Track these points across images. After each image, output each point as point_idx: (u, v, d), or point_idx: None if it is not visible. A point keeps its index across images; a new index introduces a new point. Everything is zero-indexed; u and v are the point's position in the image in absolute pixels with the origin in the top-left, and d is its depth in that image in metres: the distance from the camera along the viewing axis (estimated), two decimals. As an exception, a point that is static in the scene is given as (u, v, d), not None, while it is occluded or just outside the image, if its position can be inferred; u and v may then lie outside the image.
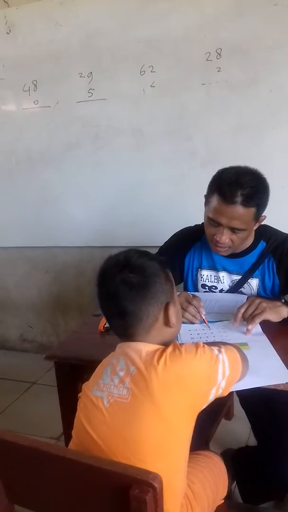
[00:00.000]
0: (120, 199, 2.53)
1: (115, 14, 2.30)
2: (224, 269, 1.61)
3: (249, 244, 1.55)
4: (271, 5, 2.04)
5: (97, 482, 0.83)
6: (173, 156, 2.36)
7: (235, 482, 1.57)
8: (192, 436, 0.98)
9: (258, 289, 1.57)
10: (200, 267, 1.65)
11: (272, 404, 1.34)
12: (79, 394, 1.03)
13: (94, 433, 0.94)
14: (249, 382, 1.06)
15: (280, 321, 1.33)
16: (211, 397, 0.96)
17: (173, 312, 0.99)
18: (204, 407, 0.96)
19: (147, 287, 0.95)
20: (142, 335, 0.98)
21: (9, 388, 2.66)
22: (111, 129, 2.45)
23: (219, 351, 0.97)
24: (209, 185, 1.45)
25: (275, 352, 1.20)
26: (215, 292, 1.64)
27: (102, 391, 0.96)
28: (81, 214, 2.65)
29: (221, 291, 1.63)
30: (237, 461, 1.56)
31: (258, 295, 1.57)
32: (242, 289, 1.59)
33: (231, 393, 1.32)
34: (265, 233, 1.57)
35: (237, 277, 1.59)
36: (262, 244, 1.55)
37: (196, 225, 1.68)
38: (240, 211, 1.36)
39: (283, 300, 1.38)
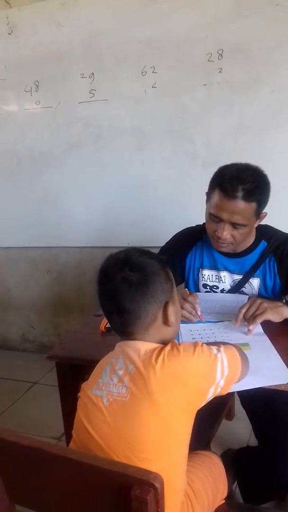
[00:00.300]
0: (121, 199, 2.53)
1: (116, 15, 2.30)
2: (226, 269, 1.61)
3: (250, 244, 1.55)
4: (272, 6, 2.04)
5: (98, 482, 0.83)
6: (174, 156, 2.37)
7: (236, 482, 1.57)
8: (193, 436, 0.98)
9: (259, 288, 1.57)
10: (202, 266, 1.65)
11: (273, 404, 1.34)
12: (79, 394, 1.03)
13: (94, 432, 0.94)
14: (250, 383, 1.06)
15: (281, 322, 1.33)
16: (210, 396, 0.96)
17: (172, 311, 0.99)
18: (202, 405, 0.96)
19: (146, 286, 0.95)
20: (141, 333, 0.98)
21: (10, 388, 2.67)
22: (112, 129, 2.46)
23: (218, 350, 0.97)
24: (210, 182, 1.46)
25: (276, 352, 1.20)
26: (216, 291, 1.64)
27: (102, 390, 0.96)
28: (83, 214, 2.65)
29: (222, 291, 1.63)
30: (238, 461, 1.56)
31: (260, 294, 1.57)
32: (243, 289, 1.59)
33: (232, 393, 1.32)
34: (266, 232, 1.57)
35: (238, 277, 1.59)
36: (263, 244, 1.56)
37: (197, 225, 1.68)
38: (241, 206, 1.37)
39: (284, 301, 1.38)
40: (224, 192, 1.37)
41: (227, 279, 1.62)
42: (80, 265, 2.82)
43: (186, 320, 1.40)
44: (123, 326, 0.99)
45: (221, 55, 2.16)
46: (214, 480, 1.16)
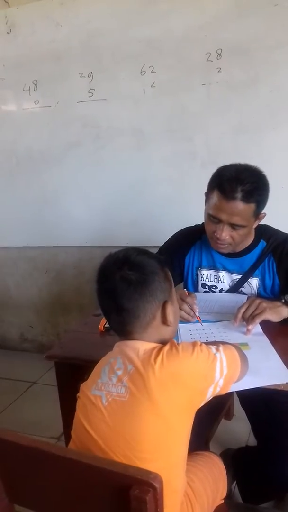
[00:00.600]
0: (120, 199, 2.53)
1: (115, 14, 2.30)
2: (224, 269, 1.61)
3: (249, 243, 1.55)
4: (271, 6, 2.04)
5: (97, 482, 0.83)
6: (173, 156, 2.36)
7: (235, 482, 1.57)
8: (192, 435, 0.98)
9: (258, 288, 1.57)
10: (200, 266, 1.65)
11: (272, 404, 1.34)
12: (78, 394, 1.03)
13: (94, 432, 0.94)
14: (250, 382, 1.06)
15: (280, 321, 1.33)
16: (209, 395, 0.96)
17: (170, 310, 0.99)
18: (202, 404, 0.96)
19: (145, 285, 0.95)
20: (139, 332, 0.98)
21: (9, 387, 2.67)
22: (111, 129, 2.45)
23: (217, 349, 0.98)
24: (209, 182, 1.46)
25: (275, 352, 1.20)
26: (215, 291, 1.64)
27: (101, 390, 0.96)
28: (82, 214, 2.65)
29: (221, 290, 1.63)
30: (237, 461, 1.56)
31: (259, 294, 1.57)
32: (242, 289, 1.59)
33: (231, 393, 1.32)
34: (265, 232, 1.57)
35: (237, 277, 1.59)
36: (262, 244, 1.56)
37: (196, 225, 1.68)
38: (240, 207, 1.37)
39: (283, 300, 1.38)
40: (223, 193, 1.37)
41: (226, 279, 1.62)
42: (79, 265, 2.82)
43: (184, 321, 1.40)
44: (122, 325, 0.99)
45: (220, 55, 2.16)
46: (214, 480, 1.16)
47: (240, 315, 1.34)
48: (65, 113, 2.53)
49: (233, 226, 1.41)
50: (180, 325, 1.39)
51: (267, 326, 1.33)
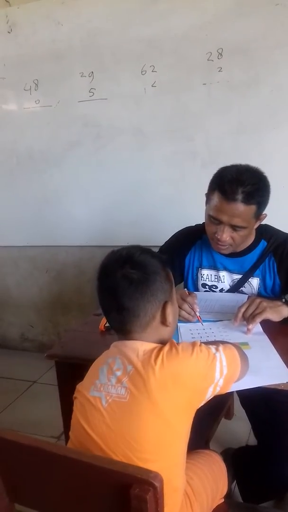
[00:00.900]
0: (120, 198, 2.53)
1: (116, 14, 2.30)
2: (225, 268, 1.61)
3: (250, 243, 1.55)
4: (272, 5, 2.04)
5: (98, 481, 0.83)
6: (174, 156, 2.36)
7: (235, 482, 1.57)
8: (192, 434, 0.98)
9: (259, 288, 1.58)
10: (201, 266, 1.65)
11: (273, 403, 1.34)
12: (74, 395, 1.02)
13: (94, 433, 0.94)
14: (250, 382, 1.06)
15: (280, 321, 1.33)
16: (209, 395, 0.96)
17: (170, 311, 0.99)
18: (202, 404, 0.96)
19: (147, 284, 0.95)
20: (138, 332, 0.97)
21: (9, 387, 2.67)
22: (112, 128, 2.45)
23: (217, 349, 0.97)
24: (210, 183, 1.46)
25: (276, 351, 1.20)
26: (215, 291, 1.64)
27: (100, 391, 0.95)
28: (82, 213, 2.65)
29: (221, 290, 1.63)
30: (237, 461, 1.57)
31: (259, 294, 1.57)
32: (243, 288, 1.59)
33: (231, 393, 1.32)
34: (266, 232, 1.57)
35: (237, 276, 1.59)
36: (263, 243, 1.56)
37: (196, 224, 1.68)
38: (241, 208, 1.37)
39: (283, 300, 1.38)
40: (224, 195, 1.37)
41: (226, 279, 1.62)
42: (79, 264, 2.82)
43: (184, 321, 1.40)
44: (121, 324, 0.98)
45: (221, 55, 2.16)
46: (214, 478, 1.16)
47: (240, 315, 1.34)
48: (65, 112, 2.53)
49: (234, 228, 1.41)
50: (180, 324, 1.39)
51: (267, 326, 1.33)
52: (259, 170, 1.42)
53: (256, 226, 1.49)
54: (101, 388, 0.95)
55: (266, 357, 1.18)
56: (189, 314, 1.39)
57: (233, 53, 2.14)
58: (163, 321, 0.99)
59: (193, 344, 0.95)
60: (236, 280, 1.60)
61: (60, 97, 2.52)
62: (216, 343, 1.02)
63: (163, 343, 0.97)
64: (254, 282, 1.57)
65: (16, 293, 3.09)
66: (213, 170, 1.47)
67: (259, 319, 1.30)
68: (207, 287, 1.65)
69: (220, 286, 1.63)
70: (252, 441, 1.68)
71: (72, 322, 2.92)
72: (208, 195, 1.45)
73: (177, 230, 1.73)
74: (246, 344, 1.24)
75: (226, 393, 1.00)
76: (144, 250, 1.00)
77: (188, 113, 2.29)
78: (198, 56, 2.20)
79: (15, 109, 2.66)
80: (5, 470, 0.95)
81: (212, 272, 1.64)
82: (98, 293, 1.01)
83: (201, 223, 1.60)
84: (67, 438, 1.24)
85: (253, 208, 1.38)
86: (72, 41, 2.42)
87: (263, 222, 1.52)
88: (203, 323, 1.39)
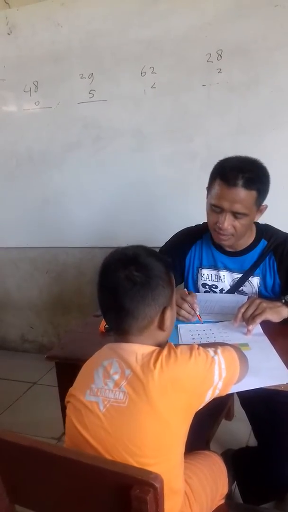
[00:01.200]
0: (120, 199, 2.53)
1: (115, 15, 2.30)
2: (225, 268, 1.61)
3: (251, 242, 1.56)
4: (271, 6, 2.04)
5: (98, 482, 0.83)
6: (174, 157, 2.37)
7: (235, 483, 1.57)
8: (193, 436, 0.98)
9: (259, 287, 1.58)
10: (201, 266, 1.65)
11: (273, 404, 1.34)
12: (67, 399, 1.01)
13: (91, 438, 0.92)
14: (250, 383, 1.06)
15: (280, 322, 1.33)
16: (207, 398, 0.95)
17: (169, 316, 0.98)
18: (201, 407, 0.96)
19: (149, 288, 0.94)
20: (135, 334, 0.96)
21: (9, 388, 2.67)
22: (112, 130, 2.46)
23: (215, 352, 0.97)
24: (210, 175, 1.47)
25: (276, 352, 1.20)
26: (215, 291, 1.64)
27: (97, 395, 0.94)
28: (82, 215, 2.66)
29: (221, 290, 1.64)
30: (238, 462, 1.56)
31: (259, 293, 1.57)
32: (243, 288, 1.59)
33: (231, 394, 1.32)
34: (267, 232, 1.58)
35: (238, 275, 1.59)
36: (263, 243, 1.56)
37: (196, 225, 1.69)
38: (241, 194, 1.38)
39: (283, 301, 1.38)
40: (225, 181, 1.39)
41: (226, 278, 1.62)
42: (79, 265, 2.82)
43: (184, 320, 1.40)
44: (118, 324, 0.97)
45: (221, 56, 2.16)
46: (213, 478, 1.16)
47: (240, 315, 1.34)
48: (65, 114, 2.53)
49: (235, 215, 1.42)
50: (180, 325, 1.39)
51: (267, 327, 1.33)
52: (259, 160, 1.45)
53: (257, 218, 1.49)
54: (98, 392, 0.94)
55: (266, 358, 1.18)
56: (189, 313, 1.39)
57: (233, 54, 2.14)
58: (160, 326, 0.98)
59: (191, 348, 0.95)
60: (237, 279, 1.60)
61: (60, 99, 2.52)
62: (215, 345, 1.02)
63: (159, 345, 0.97)
64: (255, 281, 1.58)
65: (16, 294, 3.09)
66: (213, 171, 1.48)
67: (259, 320, 1.30)
68: (207, 287, 1.65)
69: (220, 286, 1.63)
70: (253, 442, 1.68)
71: (72, 323, 2.92)
72: (209, 186, 1.47)
73: (177, 231, 1.73)
74: (246, 345, 1.24)
75: (226, 394, 1.00)
76: (151, 252, 0.99)
77: (187, 114, 2.29)
78: (197, 57, 2.20)
79: (15, 111, 2.67)
80: (5, 471, 0.95)
81: (213, 272, 1.64)
82: (98, 290, 0.99)
83: (201, 223, 1.60)
84: (67, 439, 1.24)
85: (253, 194, 1.40)
86: (72, 43, 2.42)
87: (264, 222, 1.53)
88: (203, 324, 1.39)
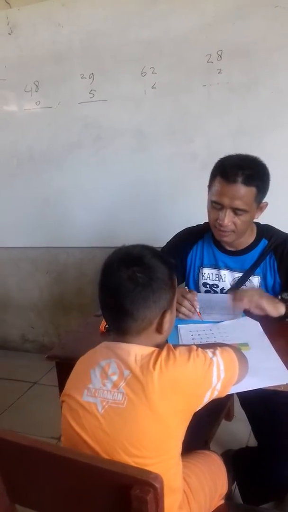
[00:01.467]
0: (121, 199, 2.53)
1: (116, 16, 2.30)
2: (226, 267, 1.62)
3: (251, 242, 1.57)
4: (272, 7, 2.04)
5: (98, 482, 0.83)
6: (174, 157, 2.37)
7: (235, 483, 1.57)
8: (193, 436, 0.98)
9: (259, 286, 1.58)
10: (202, 265, 1.66)
11: (272, 405, 1.34)
12: (62, 399, 1.00)
13: (90, 439, 0.92)
14: (250, 383, 1.06)
15: (279, 321, 1.34)
16: (206, 400, 0.95)
17: (168, 319, 0.98)
18: (199, 408, 0.96)
19: (151, 290, 0.93)
20: (133, 335, 0.96)
21: (10, 388, 2.67)
22: (112, 130, 2.46)
23: (214, 353, 0.97)
24: (211, 172, 1.49)
25: (275, 352, 1.20)
26: (216, 290, 1.65)
27: (95, 396, 0.93)
28: (83, 215, 2.66)
29: (222, 289, 1.64)
30: (237, 462, 1.57)
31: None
32: (244, 287, 1.59)
33: (231, 394, 1.33)
34: (267, 232, 1.59)
35: (238, 275, 1.60)
36: (264, 242, 1.57)
37: (197, 225, 1.69)
38: (241, 190, 1.39)
39: (279, 297, 1.39)
40: (225, 178, 1.40)
41: (227, 278, 1.62)
42: (80, 265, 2.82)
43: (185, 318, 1.41)
44: (117, 323, 0.97)
45: (221, 56, 2.16)
46: (212, 478, 1.16)
47: (238, 296, 1.37)
48: (66, 114, 2.53)
49: (235, 211, 1.43)
50: (181, 325, 1.39)
51: (267, 326, 1.34)
52: (259, 158, 1.46)
53: (257, 216, 1.50)
54: (96, 393, 0.93)
55: (266, 358, 1.18)
56: (189, 310, 1.40)
57: (233, 55, 2.14)
58: (159, 329, 0.97)
59: (190, 349, 0.95)
60: (237, 278, 1.60)
61: (60, 99, 2.52)
62: (214, 346, 1.02)
63: (157, 346, 0.97)
64: (255, 280, 1.58)
65: (17, 294, 3.09)
66: (213, 172, 1.48)
67: (255, 299, 1.34)
68: (208, 286, 1.66)
69: (221, 285, 1.64)
70: (252, 442, 1.69)
71: (72, 323, 2.92)
72: (210, 184, 1.48)
73: (178, 231, 1.74)
74: (245, 345, 1.24)
75: (226, 395, 1.00)
76: (155, 254, 0.98)
77: (188, 115, 2.29)
78: (198, 58, 2.20)
79: (15, 111, 2.67)
80: (6, 470, 0.95)
81: (213, 271, 1.64)
82: (99, 289, 0.98)
83: (202, 223, 1.60)
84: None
85: (253, 190, 1.41)
86: (72, 43, 2.42)
87: (264, 222, 1.53)
88: (203, 324, 1.39)
